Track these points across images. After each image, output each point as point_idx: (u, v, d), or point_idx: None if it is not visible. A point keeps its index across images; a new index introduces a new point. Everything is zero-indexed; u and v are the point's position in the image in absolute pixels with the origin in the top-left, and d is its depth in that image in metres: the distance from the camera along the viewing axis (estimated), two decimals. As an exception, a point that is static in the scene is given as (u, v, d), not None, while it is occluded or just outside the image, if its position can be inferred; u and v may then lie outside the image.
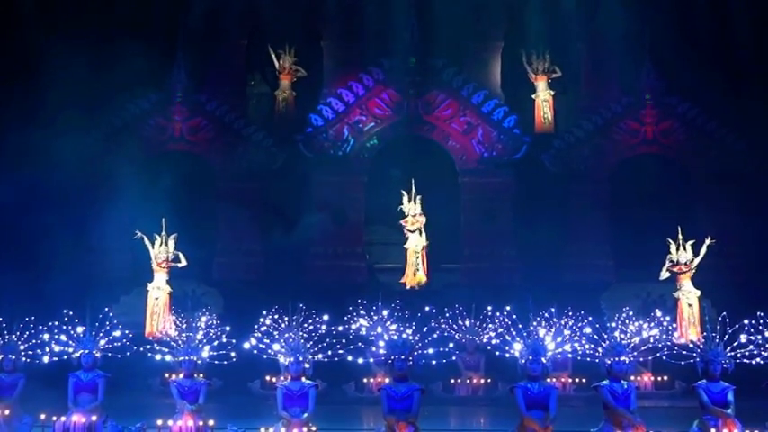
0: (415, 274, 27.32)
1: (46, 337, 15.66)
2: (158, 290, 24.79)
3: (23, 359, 15.71)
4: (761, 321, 14.86)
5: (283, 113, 31.58)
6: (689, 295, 24.57)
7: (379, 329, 19.50)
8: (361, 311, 21.98)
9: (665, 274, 24.70)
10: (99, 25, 28.28)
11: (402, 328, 15.68)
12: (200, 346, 15.41)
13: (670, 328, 20.67)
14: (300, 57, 31.55)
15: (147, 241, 24.86)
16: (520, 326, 14.55)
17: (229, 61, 31.13)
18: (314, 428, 14.29)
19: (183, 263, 24.94)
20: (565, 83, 31.71)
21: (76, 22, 27.59)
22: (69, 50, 26.70)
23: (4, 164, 25.74)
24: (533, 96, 31.35)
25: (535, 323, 14.94)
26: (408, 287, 27.14)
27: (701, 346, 14.15)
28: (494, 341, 19.72)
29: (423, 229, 27.30)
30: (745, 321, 15.00)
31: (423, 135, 29.49)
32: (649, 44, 29.25)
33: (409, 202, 27.08)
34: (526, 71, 31.55)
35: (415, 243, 27.26)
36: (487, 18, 30.89)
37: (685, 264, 24.62)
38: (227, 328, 16.36)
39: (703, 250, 24.58)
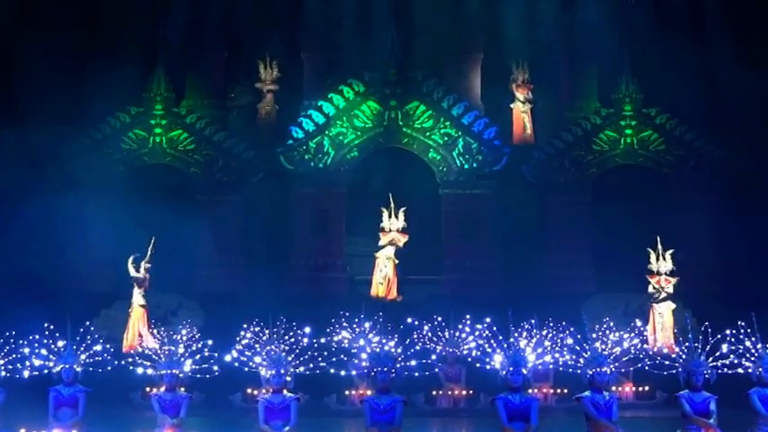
0: (382, 285, 27.13)
1: (26, 351, 15.59)
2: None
3: (3, 373, 15.63)
4: (742, 331, 14.89)
5: (266, 126, 31.46)
6: (664, 308, 24.76)
7: (362, 342, 19.52)
8: (343, 323, 21.96)
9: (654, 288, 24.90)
10: (79, 38, 28.19)
11: (384, 341, 15.66)
12: (182, 359, 15.37)
13: (644, 335, 20.73)
14: (281, 69, 31.48)
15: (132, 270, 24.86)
16: (500, 337, 14.56)
17: (209, 73, 31.10)
18: (295, 441, 14.26)
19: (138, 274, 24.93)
20: (545, 94, 31.69)
21: (56, 34, 27.47)
22: (48, 63, 26.65)
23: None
24: (512, 105, 31.32)
25: (516, 334, 14.95)
26: (375, 296, 26.99)
27: (683, 357, 14.18)
28: (474, 353, 19.76)
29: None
30: (727, 331, 15.04)
31: (403, 147, 29.51)
32: (628, 55, 29.40)
33: (390, 217, 26.96)
34: (507, 82, 31.47)
35: (386, 255, 27.11)
36: (468, 30, 30.89)
37: (665, 274, 24.81)
38: (209, 342, 16.33)
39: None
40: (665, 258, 24.92)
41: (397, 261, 27.09)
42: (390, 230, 26.85)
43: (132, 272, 24.84)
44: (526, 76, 31.37)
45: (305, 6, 30.84)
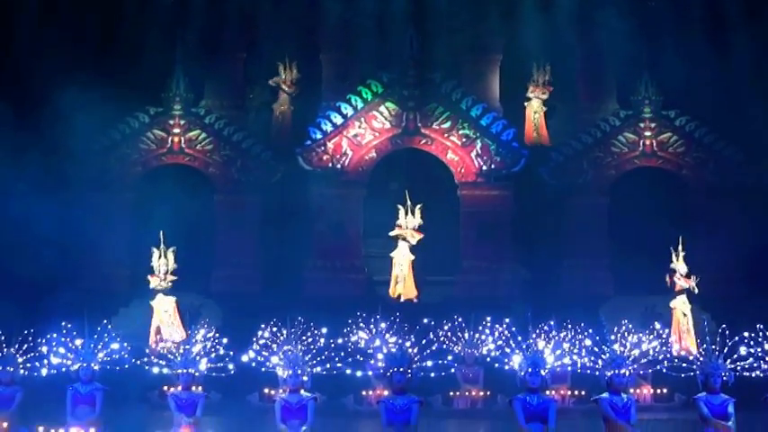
0: (399, 284, 27.15)
1: (44, 349, 15.67)
2: (166, 301, 24.67)
3: (21, 371, 15.72)
4: (760, 334, 14.85)
5: (281, 126, 31.53)
6: (683, 306, 24.64)
7: (378, 342, 19.54)
8: (360, 324, 21.97)
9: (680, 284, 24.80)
10: (97, 39, 28.30)
11: (401, 341, 15.67)
12: (198, 358, 15.42)
13: (670, 340, 20.64)
14: (299, 69, 31.53)
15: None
16: (519, 338, 14.55)
17: (228, 74, 31.16)
18: (312, 441, 14.26)
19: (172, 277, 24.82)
20: (563, 95, 31.64)
21: (75, 35, 27.58)
22: (67, 64, 26.73)
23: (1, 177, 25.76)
24: (525, 104, 31.27)
25: (534, 335, 14.94)
26: (393, 297, 26.98)
27: (701, 359, 14.14)
28: (493, 354, 19.75)
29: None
30: (745, 334, 15.00)
31: (421, 148, 29.48)
32: (647, 57, 29.31)
33: (406, 215, 26.97)
34: (525, 84, 31.43)
35: (402, 254, 27.11)
36: (486, 31, 30.86)
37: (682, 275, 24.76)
38: (225, 341, 16.37)
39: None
40: (679, 259, 24.85)
41: (413, 257, 27.05)
42: (408, 227, 26.86)
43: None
44: (547, 78, 31.32)
45: (323, 7, 30.86)
